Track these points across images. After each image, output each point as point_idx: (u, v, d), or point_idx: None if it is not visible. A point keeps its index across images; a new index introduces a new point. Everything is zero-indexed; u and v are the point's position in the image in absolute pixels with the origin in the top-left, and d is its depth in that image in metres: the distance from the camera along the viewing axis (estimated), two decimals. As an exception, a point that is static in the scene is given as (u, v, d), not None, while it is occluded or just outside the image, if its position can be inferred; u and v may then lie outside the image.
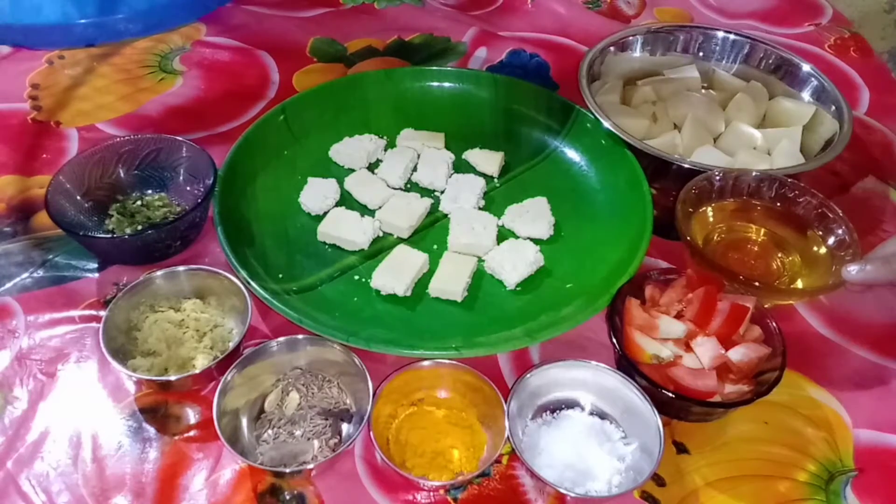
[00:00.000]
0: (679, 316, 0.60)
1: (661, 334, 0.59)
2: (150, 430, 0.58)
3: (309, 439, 0.55)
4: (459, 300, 0.66)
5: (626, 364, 0.57)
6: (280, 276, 0.66)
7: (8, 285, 0.67)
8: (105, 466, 0.55)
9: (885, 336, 0.67)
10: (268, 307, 0.61)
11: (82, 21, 0.93)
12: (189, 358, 0.60)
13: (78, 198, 0.70)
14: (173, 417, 0.58)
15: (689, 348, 0.58)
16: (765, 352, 0.57)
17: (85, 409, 0.59)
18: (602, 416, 0.58)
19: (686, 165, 0.71)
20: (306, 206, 0.73)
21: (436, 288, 0.66)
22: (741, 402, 0.55)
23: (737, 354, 0.57)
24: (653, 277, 0.63)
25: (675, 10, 1.10)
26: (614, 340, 0.58)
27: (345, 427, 0.57)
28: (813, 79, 0.83)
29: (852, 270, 0.58)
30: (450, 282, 0.66)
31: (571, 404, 0.58)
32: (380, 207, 0.73)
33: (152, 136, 0.77)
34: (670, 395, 0.55)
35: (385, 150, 0.81)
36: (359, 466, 0.56)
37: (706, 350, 0.57)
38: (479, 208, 0.75)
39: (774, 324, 0.59)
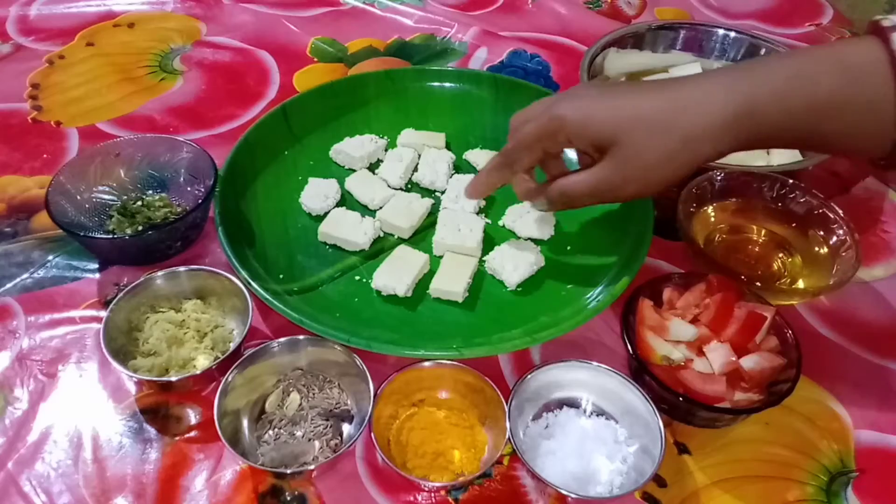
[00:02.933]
0: (695, 320, 0.60)
1: (672, 336, 0.59)
2: (151, 431, 0.58)
3: (310, 440, 0.55)
4: (460, 301, 0.66)
5: (637, 363, 0.57)
6: (281, 276, 0.66)
7: (8, 286, 0.67)
8: (106, 467, 0.55)
9: (886, 336, 0.67)
10: (268, 308, 0.61)
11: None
12: (190, 358, 0.60)
13: (78, 198, 0.70)
14: (174, 418, 0.58)
15: (701, 353, 0.58)
16: (779, 362, 0.57)
17: (86, 409, 0.59)
18: (603, 416, 0.58)
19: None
20: (307, 207, 0.73)
21: (436, 288, 0.66)
22: (747, 410, 0.55)
23: (749, 362, 0.57)
24: (674, 280, 0.63)
25: (675, 10, 1.10)
26: (626, 339, 0.58)
27: (346, 428, 0.57)
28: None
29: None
30: (450, 282, 0.66)
31: (572, 405, 0.58)
32: (380, 208, 0.73)
33: (152, 136, 0.78)
34: (678, 397, 0.55)
35: (386, 150, 0.81)
36: (360, 467, 0.56)
37: (718, 356, 0.57)
38: (480, 208, 0.75)
39: (792, 335, 0.58)
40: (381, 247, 0.71)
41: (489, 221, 0.73)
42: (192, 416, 0.58)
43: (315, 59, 0.97)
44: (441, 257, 0.69)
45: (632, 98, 0.52)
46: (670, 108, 0.50)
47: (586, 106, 0.53)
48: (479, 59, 0.98)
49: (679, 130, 0.49)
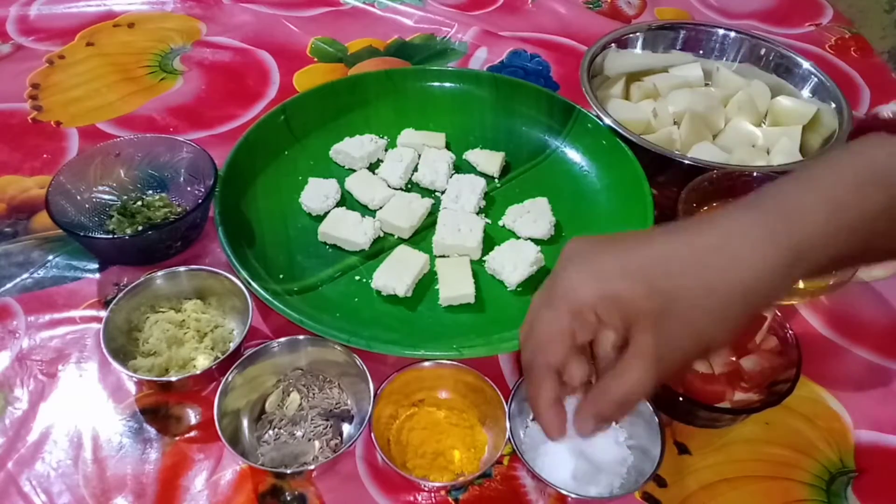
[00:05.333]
0: None
1: None
2: (151, 431, 0.58)
3: (310, 440, 0.55)
4: (473, 301, 0.66)
5: None
6: (281, 276, 0.66)
7: (8, 286, 0.67)
8: (106, 467, 0.55)
9: (886, 336, 0.67)
10: (268, 308, 0.61)
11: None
12: (190, 358, 0.60)
13: (78, 198, 0.70)
14: (174, 418, 0.58)
15: None
16: (779, 362, 0.57)
17: (86, 409, 0.59)
18: (603, 416, 0.58)
19: (686, 162, 0.71)
20: (307, 207, 0.73)
21: (447, 297, 0.66)
22: (747, 410, 0.55)
23: (749, 363, 0.57)
24: None
25: (675, 10, 1.10)
26: None
27: (346, 428, 0.57)
28: (813, 76, 0.83)
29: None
30: (458, 287, 0.65)
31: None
32: (380, 208, 0.73)
33: (152, 136, 0.77)
34: (678, 397, 0.55)
35: (386, 150, 0.81)
36: (360, 467, 0.56)
37: (718, 356, 0.57)
38: (480, 209, 0.75)
39: (792, 335, 0.58)
40: (381, 247, 0.71)
41: (489, 221, 0.73)
42: (192, 416, 0.58)
43: (315, 59, 0.97)
44: (440, 257, 0.69)
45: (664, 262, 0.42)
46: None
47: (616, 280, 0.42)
48: (479, 59, 0.98)
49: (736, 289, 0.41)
